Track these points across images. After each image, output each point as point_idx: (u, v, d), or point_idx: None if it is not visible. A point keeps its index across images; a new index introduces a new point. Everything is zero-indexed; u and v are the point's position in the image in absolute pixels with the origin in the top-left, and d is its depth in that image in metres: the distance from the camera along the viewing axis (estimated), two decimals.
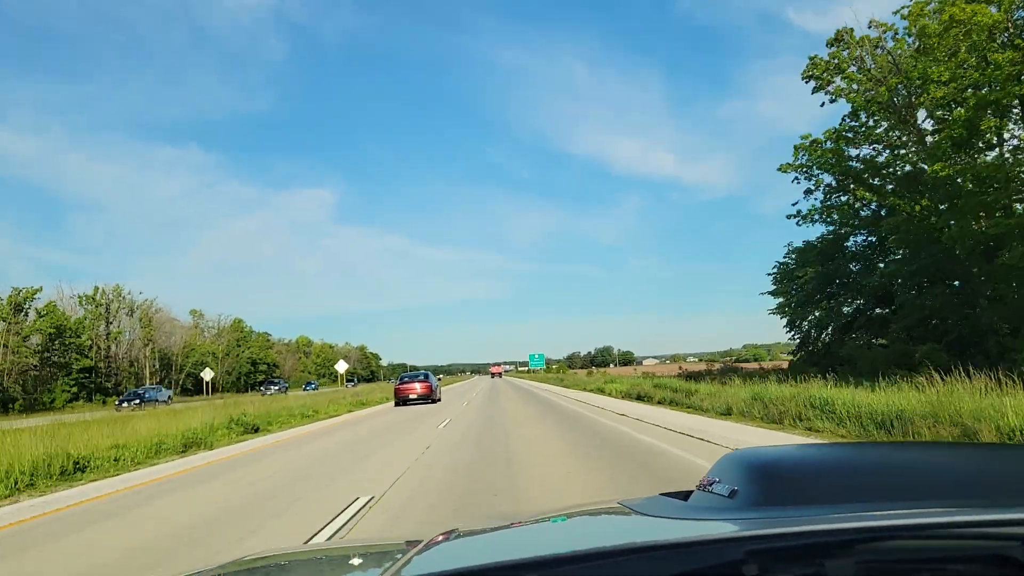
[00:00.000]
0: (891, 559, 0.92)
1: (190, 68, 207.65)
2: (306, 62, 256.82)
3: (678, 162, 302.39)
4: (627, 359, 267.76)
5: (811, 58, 26.36)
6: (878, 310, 28.46)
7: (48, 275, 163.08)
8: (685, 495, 1.42)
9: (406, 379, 31.73)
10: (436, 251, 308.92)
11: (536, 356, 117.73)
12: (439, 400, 31.57)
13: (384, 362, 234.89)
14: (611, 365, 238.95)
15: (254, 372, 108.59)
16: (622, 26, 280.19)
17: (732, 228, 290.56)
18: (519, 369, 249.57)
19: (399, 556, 1.19)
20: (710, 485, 1.33)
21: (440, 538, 1.32)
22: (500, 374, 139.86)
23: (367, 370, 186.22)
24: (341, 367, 51.67)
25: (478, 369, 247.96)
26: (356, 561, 1.55)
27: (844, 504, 1.08)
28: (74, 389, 62.53)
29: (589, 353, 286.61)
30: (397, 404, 29.79)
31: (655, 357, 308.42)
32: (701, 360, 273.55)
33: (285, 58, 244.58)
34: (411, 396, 29.78)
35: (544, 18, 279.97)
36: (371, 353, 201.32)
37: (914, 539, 0.92)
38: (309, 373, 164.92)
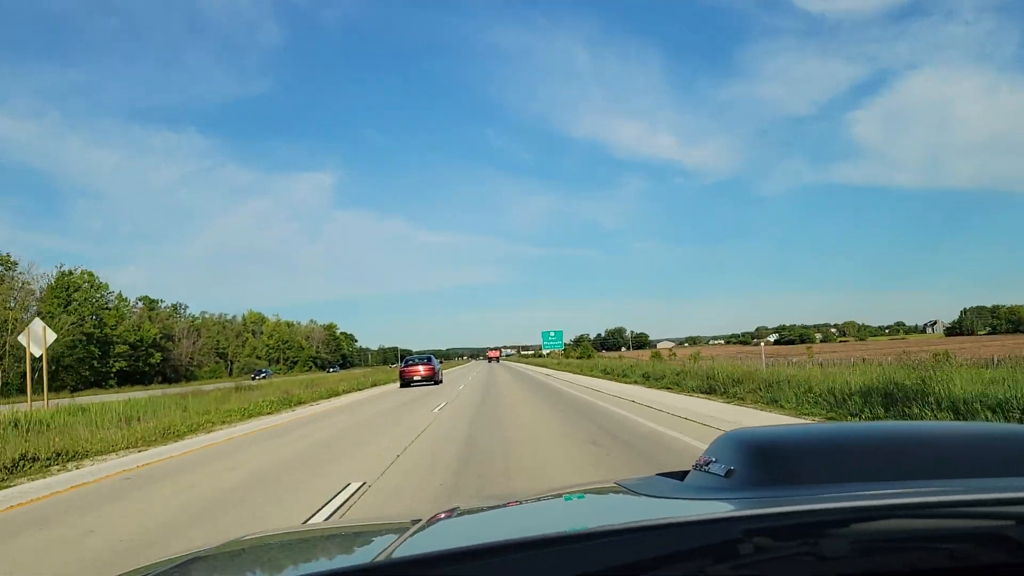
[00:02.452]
0: (887, 538, 0.92)
1: (188, 52, 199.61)
2: (305, 46, 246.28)
3: (679, 144, 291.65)
4: (641, 342, 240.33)
5: None
6: None
7: (47, 261, 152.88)
8: (682, 475, 1.41)
9: (411, 362, 34.32)
10: (436, 235, 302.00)
11: (552, 334, 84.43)
12: (441, 382, 33.33)
13: (376, 346, 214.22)
14: (623, 348, 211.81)
15: (106, 356, 73.29)
16: (622, 6, 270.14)
17: (735, 211, 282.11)
18: (522, 353, 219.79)
19: (397, 535, 1.17)
20: (707, 465, 1.30)
21: (443, 515, 1.32)
22: (497, 358, 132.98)
23: (336, 354, 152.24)
24: (32, 340, 17.34)
25: (477, 354, 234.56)
26: (357, 540, 1.51)
27: (840, 483, 1.08)
28: None
29: (599, 335, 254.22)
30: (402, 385, 31.80)
31: (670, 339, 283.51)
32: (728, 342, 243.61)
33: (284, 42, 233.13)
34: (415, 378, 31.90)
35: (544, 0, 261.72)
36: (343, 334, 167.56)
37: (910, 518, 0.92)
38: (259, 358, 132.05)
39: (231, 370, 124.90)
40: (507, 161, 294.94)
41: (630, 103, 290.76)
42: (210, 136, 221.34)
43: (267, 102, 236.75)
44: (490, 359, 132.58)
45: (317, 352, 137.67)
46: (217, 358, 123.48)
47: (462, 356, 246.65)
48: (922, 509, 0.93)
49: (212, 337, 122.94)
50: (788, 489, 1.08)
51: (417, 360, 34.58)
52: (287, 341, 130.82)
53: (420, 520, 1.28)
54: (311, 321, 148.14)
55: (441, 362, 46.23)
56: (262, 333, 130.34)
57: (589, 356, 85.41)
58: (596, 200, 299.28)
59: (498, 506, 1.49)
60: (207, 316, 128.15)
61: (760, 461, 1.20)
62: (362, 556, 1.13)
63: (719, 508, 1.08)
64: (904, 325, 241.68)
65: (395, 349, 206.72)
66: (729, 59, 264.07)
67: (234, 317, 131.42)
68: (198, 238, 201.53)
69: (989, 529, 0.92)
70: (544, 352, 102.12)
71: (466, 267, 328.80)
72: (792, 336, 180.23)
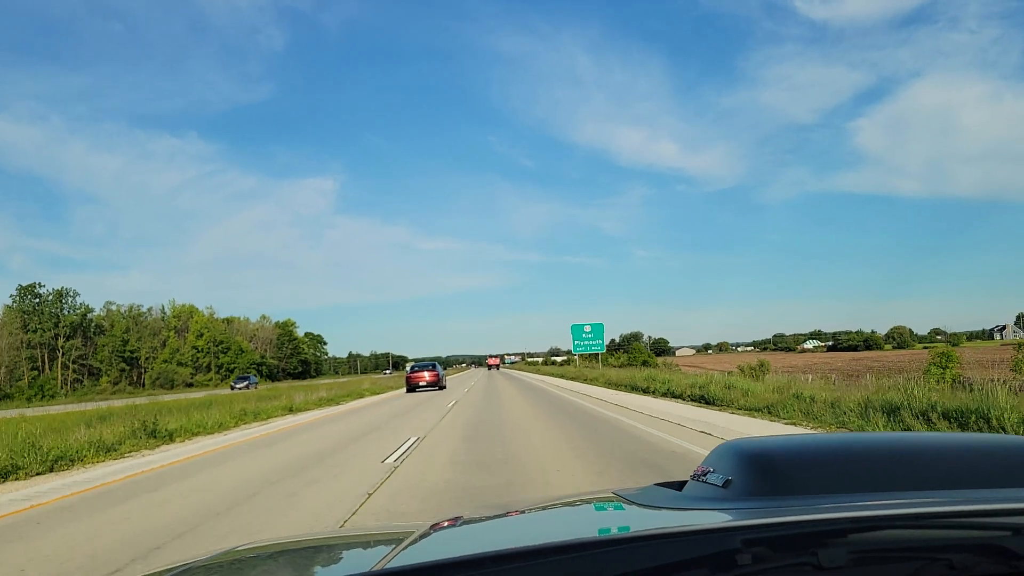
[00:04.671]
0: (883, 548, 0.92)
1: (190, 57, 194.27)
2: (306, 50, 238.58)
3: (682, 152, 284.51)
4: (660, 348, 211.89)
5: None
6: None
7: (48, 267, 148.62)
8: (679, 485, 1.42)
9: (417, 368, 35.61)
10: (438, 241, 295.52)
11: (587, 330, 53.64)
12: (445, 387, 35.28)
13: (367, 351, 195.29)
14: None
15: None
16: (625, 13, 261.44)
17: (739, 218, 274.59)
18: (528, 360, 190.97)
19: (398, 544, 1.18)
20: (704, 475, 1.31)
21: (446, 523, 1.35)
22: (497, 366, 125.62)
23: (293, 360, 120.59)
24: None
25: (478, 361, 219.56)
26: (356, 548, 1.53)
27: (838, 494, 1.08)
28: None
29: (613, 340, 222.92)
30: (408, 391, 33.58)
31: (689, 346, 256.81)
32: (764, 349, 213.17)
33: (286, 46, 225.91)
34: (420, 383, 33.86)
35: (547, 4, 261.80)
36: (309, 335, 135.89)
37: (908, 528, 0.92)
38: (181, 364, 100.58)
39: (142, 381, 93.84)
40: (509, 167, 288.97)
41: (632, 110, 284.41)
42: (212, 141, 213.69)
43: (269, 107, 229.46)
44: (490, 367, 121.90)
45: (263, 357, 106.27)
46: (123, 364, 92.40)
47: (462, 363, 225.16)
48: (920, 520, 0.93)
49: (117, 337, 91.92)
50: (786, 499, 1.07)
51: (423, 367, 35.70)
52: (221, 342, 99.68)
53: (422, 528, 1.28)
54: (263, 317, 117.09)
55: (445, 369, 48.09)
56: (187, 331, 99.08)
57: (646, 363, 54.18)
58: (599, 207, 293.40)
59: (499, 515, 1.49)
60: (113, 308, 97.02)
61: (758, 471, 1.19)
62: (360, 565, 1.11)
63: (717, 518, 1.07)
64: (942, 331, 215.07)
65: (387, 355, 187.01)
66: (732, 66, 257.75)
67: (150, 310, 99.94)
68: (200, 243, 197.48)
69: (987, 540, 0.92)
70: (558, 359, 71.83)
71: (467, 273, 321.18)
72: (854, 341, 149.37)
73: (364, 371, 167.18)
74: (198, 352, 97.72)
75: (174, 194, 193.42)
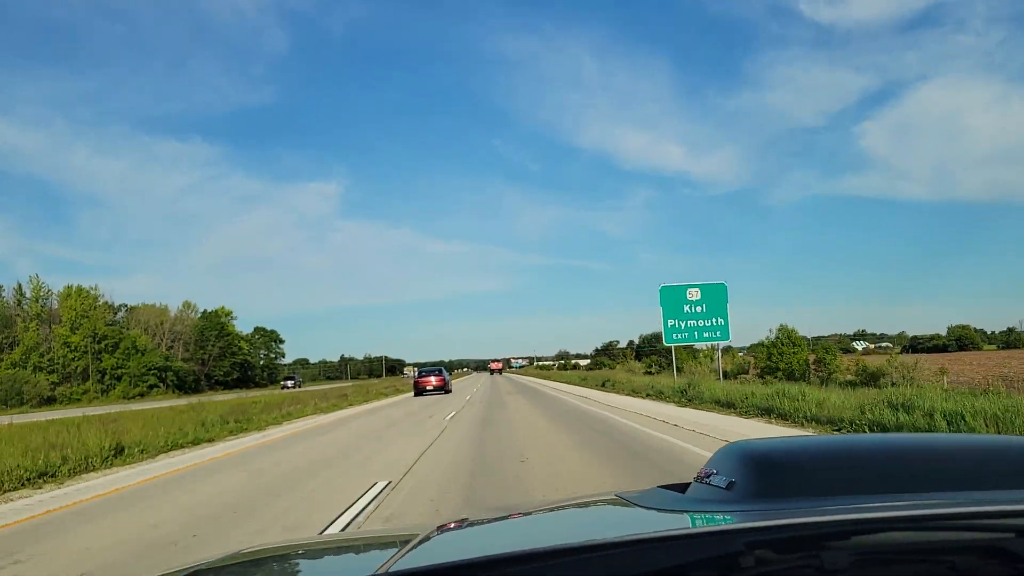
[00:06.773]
0: (887, 550, 0.92)
1: (194, 60, 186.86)
2: (311, 53, 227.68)
3: (687, 155, 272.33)
4: (686, 346, 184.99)
5: None
6: None
7: (53, 271, 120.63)
8: (683, 487, 1.42)
9: (423, 373, 37.37)
10: (442, 245, 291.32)
11: (694, 297, 22.69)
12: (451, 391, 36.22)
13: (368, 355, 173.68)
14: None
15: None
16: (630, 16, 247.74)
17: (745, 221, 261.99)
18: (539, 365, 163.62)
19: (403, 547, 1.18)
20: (708, 477, 1.31)
21: (452, 525, 1.35)
22: (500, 370, 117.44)
23: (224, 365, 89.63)
24: None
25: (480, 365, 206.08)
26: (361, 551, 1.56)
27: (841, 496, 1.08)
28: None
29: (632, 342, 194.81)
30: (416, 395, 34.56)
31: (712, 349, 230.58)
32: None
33: (290, 49, 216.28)
34: (428, 387, 34.77)
35: (551, 7, 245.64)
36: (259, 331, 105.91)
37: (910, 530, 0.93)
38: (41, 370, 70.67)
39: None
40: (514, 170, 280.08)
41: (637, 112, 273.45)
42: (216, 144, 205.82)
43: (273, 110, 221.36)
44: (491, 371, 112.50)
45: (169, 359, 76.23)
46: None
47: (465, 368, 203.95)
48: (923, 521, 0.93)
49: None
50: (789, 501, 1.07)
51: (429, 372, 37.03)
52: (107, 337, 69.99)
53: (428, 530, 1.28)
54: (186, 305, 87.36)
55: (452, 373, 50.62)
56: (54, 322, 69.43)
57: (828, 359, 24.71)
58: (603, 210, 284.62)
59: (505, 517, 1.51)
60: None
61: (761, 473, 1.19)
62: (367, 567, 1.13)
63: (721, 520, 1.07)
64: (980, 331, 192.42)
65: (382, 359, 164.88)
66: (737, 69, 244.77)
67: (0, 289, 70.12)
68: (204, 247, 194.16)
69: (990, 542, 0.92)
70: (582, 362, 40.74)
71: (471, 276, 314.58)
72: (941, 341, 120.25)
73: (356, 376, 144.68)
74: (71, 351, 68.30)
75: (178, 197, 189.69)
